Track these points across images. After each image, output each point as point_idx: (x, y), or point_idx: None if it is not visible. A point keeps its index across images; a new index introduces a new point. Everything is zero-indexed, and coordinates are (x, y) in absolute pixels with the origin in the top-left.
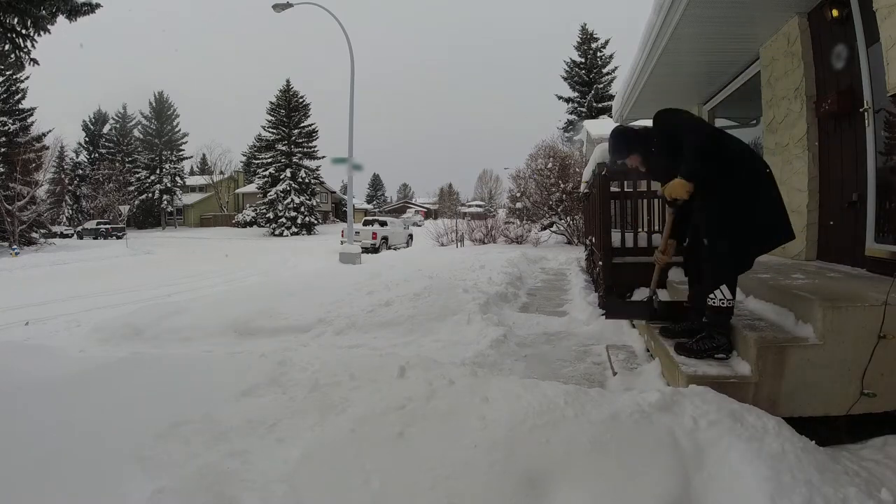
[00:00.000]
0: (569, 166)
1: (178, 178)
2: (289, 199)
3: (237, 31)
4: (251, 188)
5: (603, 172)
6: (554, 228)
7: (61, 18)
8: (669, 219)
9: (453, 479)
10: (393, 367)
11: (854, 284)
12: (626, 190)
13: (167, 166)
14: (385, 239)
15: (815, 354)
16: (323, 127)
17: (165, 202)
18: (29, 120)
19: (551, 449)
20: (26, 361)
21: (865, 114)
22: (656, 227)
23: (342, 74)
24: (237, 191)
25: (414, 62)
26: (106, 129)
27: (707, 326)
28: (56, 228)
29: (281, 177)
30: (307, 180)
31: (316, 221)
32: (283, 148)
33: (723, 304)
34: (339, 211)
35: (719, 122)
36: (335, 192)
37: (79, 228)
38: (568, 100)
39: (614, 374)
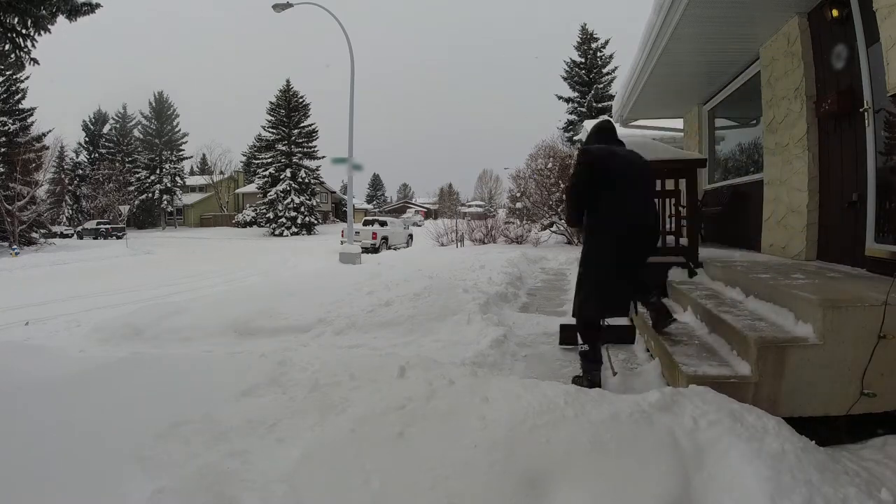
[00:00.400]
0: (569, 166)
1: (178, 178)
2: (289, 199)
3: (237, 31)
4: (251, 188)
5: None
6: (554, 228)
7: (61, 18)
8: None
9: (453, 479)
10: (393, 367)
11: (854, 284)
12: None
13: (167, 166)
14: (385, 239)
15: (815, 354)
16: (323, 127)
17: (165, 202)
18: (29, 120)
19: (551, 449)
20: (26, 361)
21: (865, 114)
22: None
23: (342, 74)
24: (237, 191)
25: (414, 62)
26: (106, 129)
27: None
28: (56, 228)
29: (281, 177)
30: (307, 180)
31: (316, 221)
32: (283, 148)
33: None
34: (339, 211)
35: (719, 122)
36: (335, 192)
37: (79, 228)
38: (568, 100)
39: (614, 374)
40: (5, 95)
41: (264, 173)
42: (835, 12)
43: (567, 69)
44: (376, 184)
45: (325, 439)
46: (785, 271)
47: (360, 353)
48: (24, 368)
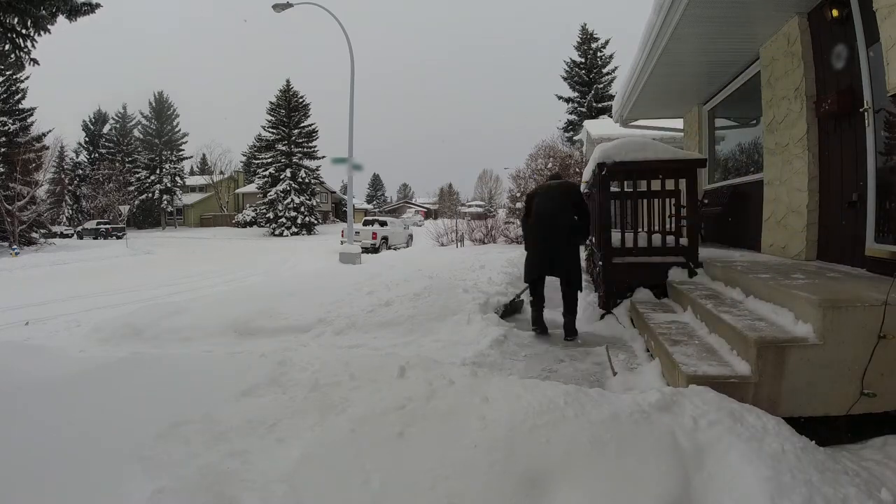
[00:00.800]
0: (569, 166)
1: (178, 178)
2: (289, 199)
3: (237, 31)
4: (251, 188)
5: (603, 172)
6: None
7: (61, 18)
8: None
9: (453, 478)
10: (393, 367)
11: (854, 284)
12: (626, 190)
13: (167, 166)
14: (385, 239)
15: (815, 354)
16: (323, 127)
17: (165, 202)
18: (29, 120)
19: (551, 449)
20: (26, 361)
21: (865, 114)
22: (656, 227)
23: (342, 74)
24: (237, 191)
25: (414, 62)
26: (106, 129)
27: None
28: (56, 228)
29: (281, 177)
30: (307, 180)
31: (316, 221)
32: (283, 148)
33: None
34: (339, 211)
35: (719, 122)
36: (335, 192)
37: (79, 228)
38: (568, 100)
39: (614, 374)
40: (5, 95)
41: (264, 173)
42: (835, 12)
43: (567, 69)
44: (376, 184)
45: (325, 439)
46: (785, 271)
47: (360, 353)
48: (24, 368)
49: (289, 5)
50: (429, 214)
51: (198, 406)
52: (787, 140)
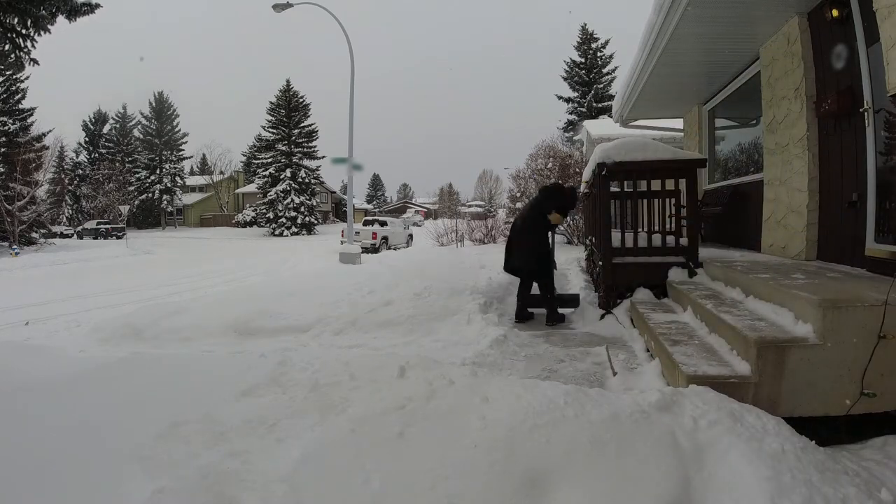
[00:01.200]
0: (569, 166)
1: (178, 178)
2: (289, 199)
3: (237, 31)
4: (251, 188)
5: (603, 172)
6: None
7: (61, 18)
8: None
9: (453, 479)
10: (393, 367)
11: (854, 284)
12: (626, 190)
13: (167, 166)
14: (385, 239)
15: (815, 354)
16: (323, 127)
17: (165, 202)
18: (29, 120)
19: (551, 449)
20: (26, 361)
21: (865, 114)
22: (657, 227)
23: (342, 74)
24: (237, 191)
25: (414, 62)
26: (106, 129)
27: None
28: (56, 228)
29: (281, 177)
30: (307, 180)
31: (316, 221)
32: (283, 148)
33: None
34: (339, 211)
35: (719, 122)
36: (335, 192)
37: (79, 228)
38: (568, 100)
39: (614, 374)
40: (5, 95)
41: (264, 173)
42: (835, 12)
43: (567, 69)
44: (376, 184)
45: (325, 439)
46: (785, 271)
47: (360, 352)
48: (24, 368)
49: (289, 5)
50: (429, 214)
51: (198, 406)
52: (787, 140)
